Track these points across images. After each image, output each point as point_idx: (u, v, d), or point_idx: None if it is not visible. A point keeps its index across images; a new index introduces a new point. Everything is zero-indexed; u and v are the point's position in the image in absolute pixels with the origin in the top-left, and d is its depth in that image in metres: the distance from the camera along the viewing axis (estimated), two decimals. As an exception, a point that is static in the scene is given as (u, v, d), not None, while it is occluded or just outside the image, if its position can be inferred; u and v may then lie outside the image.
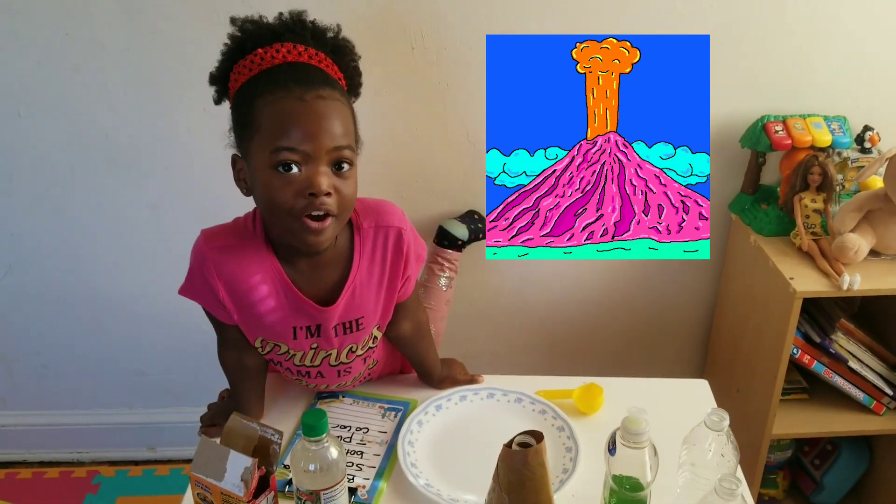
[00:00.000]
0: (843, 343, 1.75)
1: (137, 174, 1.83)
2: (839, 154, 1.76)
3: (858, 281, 1.59)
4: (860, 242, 1.63)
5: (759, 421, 1.77)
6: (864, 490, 2.03)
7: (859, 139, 1.77)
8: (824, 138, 1.71)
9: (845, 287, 1.58)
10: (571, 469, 1.23)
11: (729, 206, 1.90)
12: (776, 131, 1.71)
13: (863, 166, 1.74)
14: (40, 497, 2.10)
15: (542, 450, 1.00)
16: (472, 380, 1.44)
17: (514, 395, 1.40)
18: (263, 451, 1.10)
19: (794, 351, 1.70)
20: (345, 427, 1.34)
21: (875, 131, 1.76)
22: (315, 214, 1.06)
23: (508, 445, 1.02)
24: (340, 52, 1.14)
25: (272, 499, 1.08)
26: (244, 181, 1.12)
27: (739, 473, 1.15)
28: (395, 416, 1.37)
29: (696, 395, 1.41)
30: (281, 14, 1.12)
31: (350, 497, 1.18)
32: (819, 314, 1.78)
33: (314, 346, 1.24)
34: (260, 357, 1.29)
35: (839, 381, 1.77)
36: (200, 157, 1.82)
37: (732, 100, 1.79)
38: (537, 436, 1.02)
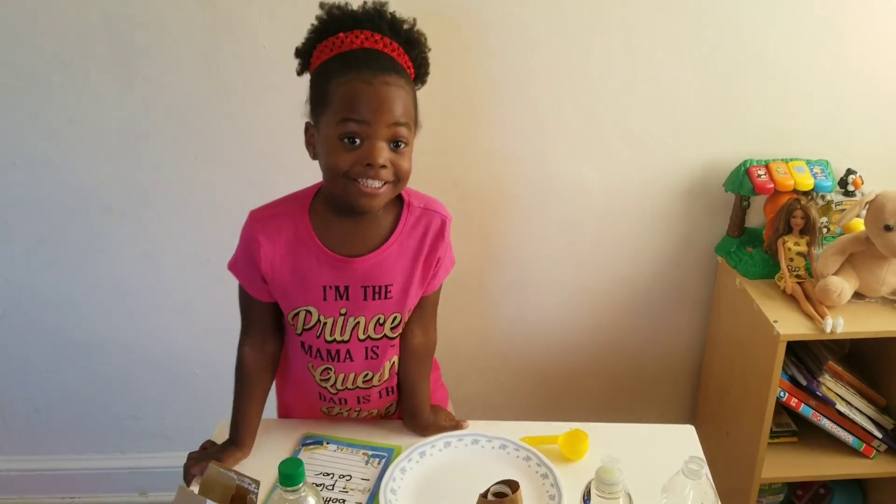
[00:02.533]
0: (830, 386, 1.75)
1: (131, 222, 1.86)
2: (822, 197, 1.78)
3: (842, 324, 1.59)
4: (843, 285, 1.64)
5: (749, 465, 1.76)
6: (859, 534, 2.01)
7: (842, 182, 1.79)
8: (807, 182, 1.73)
9: (828, 330, 1.59)
10: (555, 516, 1.23)
11: (715, 249, 1.92)
12: (759, 175, 1.73)
13: (846, 209, 1.76)
14: (32, 543, 2.10)
15: (517, 500, 1.01)
16: (457, 425, 1.45)
17: (498, 442, 1.40)
18: (241, 500, 1.10)
19: (781, 394, 1.70)
20: (328, 474, 1.34)
21: (858, 174, 1.78)
22: (370, 182, 1.18)
23: (484, 495, 1.02)
24: (413, 43, 1.24)
25: (250, 549, 1.09)
26: (312, 146, 1.25)
27: (719, 520, 1.15)
28: (379, 463, 1.37)
29: (682, 440, 1.41)
30: (365, 3, 1.23)
31: (331, 546, 1.18)
32: (807, 357, 1.78)
33: (343, 310, 1.30)
34: (276, 349, 1.38)
35: (827, 424, 1.76)
36: (193, 205, 1.85)
37: (715, 144, 1.82)
38: (513, 485, 1.03)
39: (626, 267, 1.96)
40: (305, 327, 1.31)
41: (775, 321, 1.63)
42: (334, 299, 1.29)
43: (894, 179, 1.68)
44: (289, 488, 1.07)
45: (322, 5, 1.23)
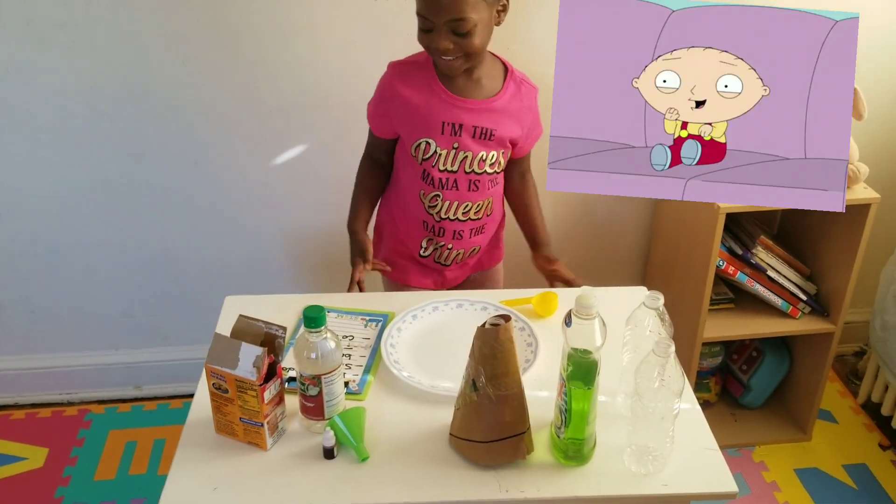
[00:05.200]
0: (762, 256, 1.99)
1: (122, 125, 1.95)
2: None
3: (772, 197, 1.82)
4: (774, 164, 1.86)
5: (692, 328, 2.00)
6: (786, 390, 2.30)
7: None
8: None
9: (761, 202, 1.81)
10: (533, 359, 1.44)
11: (662, 140, 2.12)
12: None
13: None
14: (36, 434, 2.22)
15: (510, 328, 1.20)
16: (571, 281, 1.76)
17: (480, 305, 1.59)
18: (270, 345, 1.26)
19: (720, 263, 1.93)
20: (333, 335, 1.51)
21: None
22: (443, 57, 1.51)
23: (482, 326, 1.21)
24: None
25: (279, 385, 1.25)
26: None
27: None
28: (377, 326, 1.55)
29: (635, 297, 1.62)
30: None
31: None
32: (741, 232, 2.01)
33: (455, 145, 1.61)
34: (385, 173, 1.73)
35: (760, 290, 2.01)
36: (181, 107, 1.95)
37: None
38: (506, 318, 1.21)
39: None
40: (424, 157, 1.62)
41: (716, 197, 1.84)
42: (450, 134, 1.60)
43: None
44: (313, 329, 1.24)
45: None
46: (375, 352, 1.47)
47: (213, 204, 2.08)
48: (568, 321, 1.19)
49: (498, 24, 1.55)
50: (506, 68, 1.64)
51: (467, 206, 1.69)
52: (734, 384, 2.30)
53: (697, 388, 2.23)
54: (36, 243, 2.10)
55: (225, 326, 1.41)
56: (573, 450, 1.23)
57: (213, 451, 1.25)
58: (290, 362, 1.40)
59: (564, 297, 1.59)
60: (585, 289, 1.19)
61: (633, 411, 1.21)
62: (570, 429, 1.20)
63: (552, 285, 1.78)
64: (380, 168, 1.72)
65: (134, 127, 1.96)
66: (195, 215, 2.10)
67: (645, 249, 2.33)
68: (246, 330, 1.28)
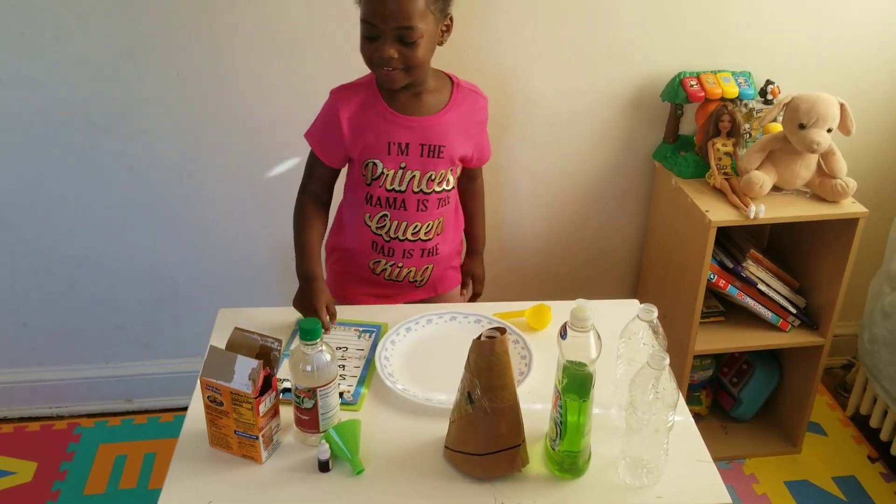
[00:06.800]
0: (752, 270, 2.00)
1: (115, 137, 1.94)
2: (745, 105, 2.01)
3: (763, 210, 1.84)
4: (764, 178, 1.88)
5: (684, 341, 2.01)
6: (776, 402, 2.31)
7: (762, 91, 2.02)
8: (732, 90, 1.95)
9: (752, 216, 1.83)
10: (527, 372, 1.44)
11: (653, 155, 2.14)
12: (691, 85, 1.95)
13: (765, 113, 1.99)
14: (25, 448, 2.20)
15: (505, 340, 1.20)
16: (476, 295, 1.84)
17: (474, 317, 1.59)
18: (265, 357, 1.26)
19: (711, 276, 1.95)
20: (326, 348, 1.52)
21: (776, 84, 2.01)
22: (385, 69, 1.47)
23: (478, 339, 1.21)
24: None
25: (274, 397, 1.25)
26: None
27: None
28: (370, 337, 1.55)
29: (628, 311, 1.63)
30: None
31: (338, 400, 1.36)
32: (732, 246, 2.03)
33: (402, 164, 1.58)
34: (327, 203, 1.66)
35: (750, 303, 2.02)
36: (175, 120, 1.95)
37: (653, 59, 2.02)
38: (501, 330, 1.22)
39: (574, 174, 2.16)
40: (373, 177, 1.59)
41: (707, 210, 1.86)
42: (396, 154, 1.57)
43: (806, 88, 1.91)
44: (308, 342, 1.24)
45: None
46: (369, 363, 1.48)
47: (205, 216, 2.08)
48: (563, 334, 1.20)
49: (441, 43, 1.52)
50: (452, 81, 1.61)
51: (416, 226, 1.65)
52: (725, 397, 2.31)
53: (688, 401, 2.24)
54: (27, 255, 2.08)
55: (218, 339, 1.41)
56: (568, 462, 1.23)
57: (208, 464, 1.25)
58: (283, 373, 1.39)
59: (558, 311, 1.60)
60: (580, 301, 1.19)
61: (628, 424, 1.21)
62: (566, 441, 1.21)
63: (464, 283, 1.87)
64: (322, 206, 1.66)
65: (127, 139, 1.95)
66: (187, 228, 2.10)
67: (636, 263, 2.34)
68: (241, 342, 1.28)
